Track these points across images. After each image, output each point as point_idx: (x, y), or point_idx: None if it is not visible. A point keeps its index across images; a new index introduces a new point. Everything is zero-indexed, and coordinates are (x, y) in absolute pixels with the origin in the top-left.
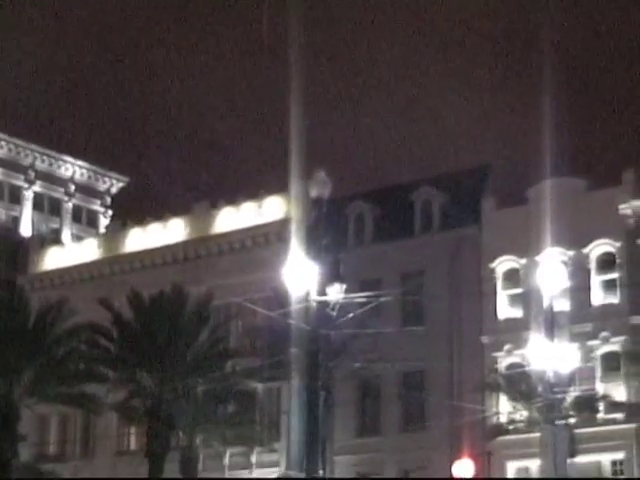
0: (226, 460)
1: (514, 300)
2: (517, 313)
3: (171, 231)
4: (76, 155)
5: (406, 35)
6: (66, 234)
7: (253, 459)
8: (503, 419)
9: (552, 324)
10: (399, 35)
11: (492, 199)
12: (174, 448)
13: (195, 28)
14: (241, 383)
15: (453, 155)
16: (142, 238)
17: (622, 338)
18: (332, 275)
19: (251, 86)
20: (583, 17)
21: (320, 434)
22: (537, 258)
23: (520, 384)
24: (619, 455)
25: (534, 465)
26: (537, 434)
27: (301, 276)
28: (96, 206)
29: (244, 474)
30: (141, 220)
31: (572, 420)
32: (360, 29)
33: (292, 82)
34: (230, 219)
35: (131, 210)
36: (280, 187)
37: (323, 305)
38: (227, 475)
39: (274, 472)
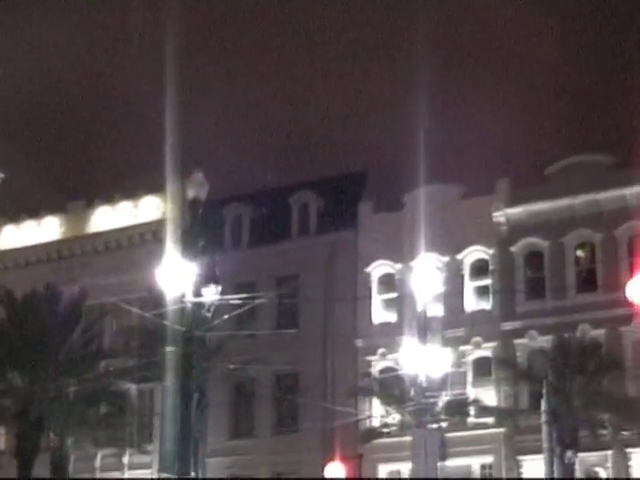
0: (97, 462)
1: (389, 305)
2: (391, 317)
3: (46, 229)
4: None
5: (290, 38)
6: None
7: (125, 461)
8: (376, 422)
9: (425, 329)
10: (284, 39)
11: (369, 204)
12: (45, 449)
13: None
14: (114, 384)
15: (331, 160)
16: (16, 236)
17: (493, 344)
18: (208, 276)
19: (129, 80)
20: (457, 16)
21: (193, 436)
22: (412, 263)
23: (393, 388)
24: (488, 459)
25: (405, 468)
26: (409, 437)
27: (176, 277)
28: None
29: (116, 476)
30: (15, 217)
31: (443, 424)
32: (237, 30)
33: (166, 79)
34: (106, 218)
35: (5, 207)
36: (157, 187)
37: (198, 306)
38: (98, 477)
39: (146, 474)
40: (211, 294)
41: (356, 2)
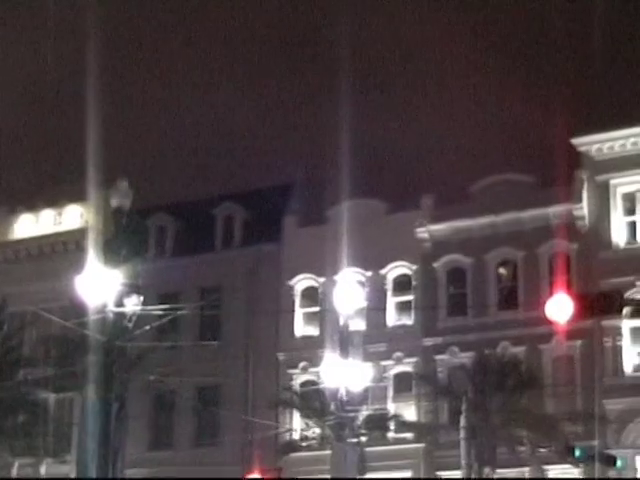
0: (14, 471)
1: (311, 318)
2: (314, 331)
3: None
4: None
5: (210, 50)
6: None
7: (42, 470)
8: (296, 436)
9: (346, 343)
10: (206, 51)
11: (293, 217)
12: None
13: None
14: (32, 393)
15: (257, 172)
16: None
17: (414, 359)
18: (130, 286)
19: (54, 86)
20: (377, 29)
21: (112, 446)
22: (335, 277)
23: (313, 401)
24: (407, 474)
25: None
26: (328, 451)
27: (98, 286)
28: None
29: None
30: None
31: (363, 438)
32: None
33: (87, 86)
34: (29, 226)
35: None
36: (81, 196)
37: (120, 316)
38: None
39: None
40: (133, 304)
41: (281, 13)
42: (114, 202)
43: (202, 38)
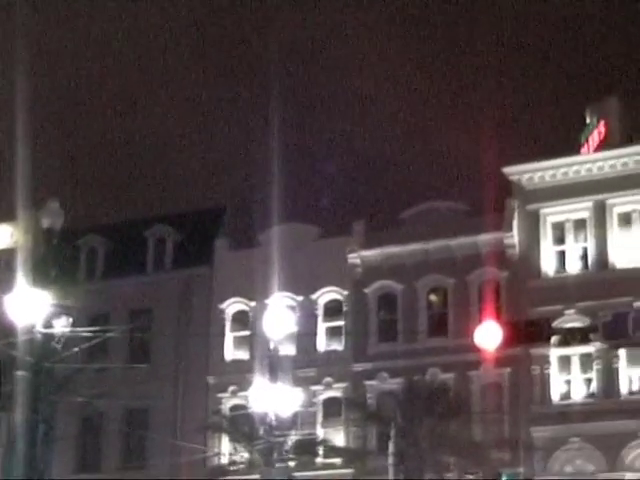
0: None
1: (242, 342)
2: (244, 355)
3: None
4: None
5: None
6: None
7: None
8: (225, 460)
9: (276, 367)
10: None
11: (225, 240)
12: None
13: None
14: None
15: (189, 194)
16: None
17: (344, 384)
18: (59, 308)
19: None
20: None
21: (38, 469)
22: (266, 301)
23: (243, 426)
24: None
25: None
26: (257, 476)
27: (27, 307)
28: None
29: None
30: None
31: (292, 463)
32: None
33: (16, 104)
34: None
35: None
36: (11, 215)
37: (48, 337)
38: None
39: None
40: (62, 325)
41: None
42: (45, 222)
43: (137, 54)
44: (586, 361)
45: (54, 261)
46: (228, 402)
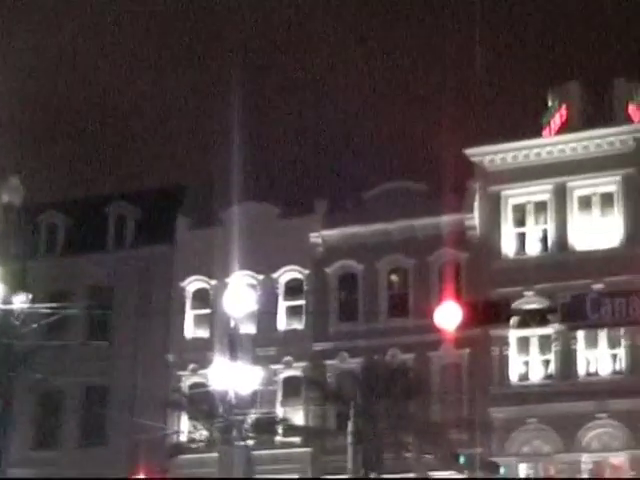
0: None
1: (202, 320)
2: (204, 333)
3: None
4: None
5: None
6: None
7: None
8: (184, 438)
9: (235, 346)
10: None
11: (187, 219)
12: None
13: None
14: None
15: (150, 172)
16: None
17: (304, 363)
18: (18, 284)
19: None
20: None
21: None
22: (227, 280)
23: (202, 404)
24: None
25: None
26: (216, 454)
27: None
28: None
29: None
30: None
31: (251, 441)
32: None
33: None
34: None
35: None
36: None
37: (7, 314)
38: None
39: None
40: (21, 302)
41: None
42: (4, 198)
43: (97, 31)
44: (544, 342)
45: (13, 237)
46: (188, 380)
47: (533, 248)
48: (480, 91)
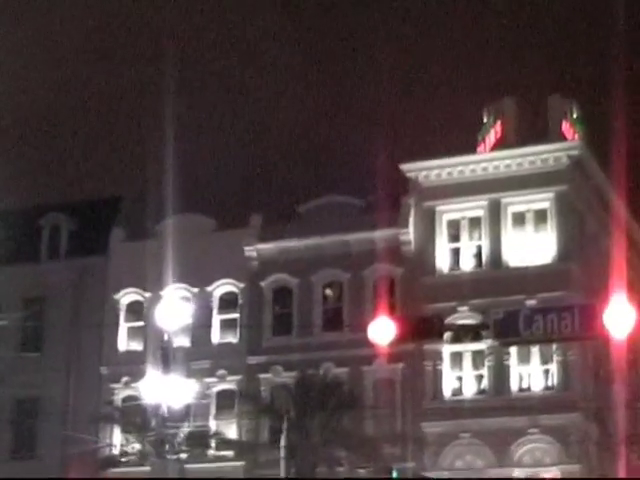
0: None
1: (136, 333)
2: (138, 346)
3: None
4: None
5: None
6: None
7: None
8: (116, 451)
9: (168, 359)
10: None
11: (121, 230)
12: None
13: None
14: None
15: (85, 182)
16: None
17: (238, 377)
18: None
19: None
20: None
21: None
22: (161, 293)
23: (135, 417)
24: None
25: None
26: (148, 468)
27: None
28: None
29: None
30: None
31: (183, 455)
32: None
33: None
34: None
35: None
36: None
37: None
38: None
39: None
40: None
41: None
42: None
43: (30, 35)
44: (478, 358)
45: None
46: (121, 393)
47: (467, 264)
48: (414, 107)
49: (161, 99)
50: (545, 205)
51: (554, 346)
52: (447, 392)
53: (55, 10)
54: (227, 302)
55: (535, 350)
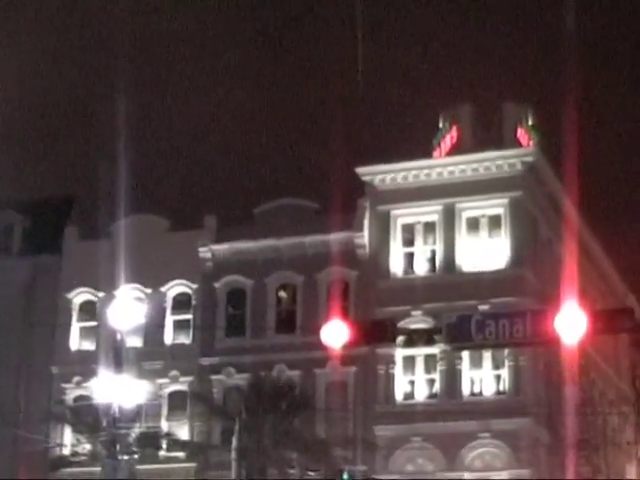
0: None
1: (88, 333)
2: (90, 346)
3: None
4: None
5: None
6: None
7: None
8: (67, 451)
9: (120, 359)
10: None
11: (75, 229)
12: None
13: None
14: None
15: (40, 181)
16: None
17: (190, 378)
18: None
19: None
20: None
21: None
22: (114, 293)
23: (86, 417)
24: None
25: None
26: (99, 468)
27: None
28: None
29: None
30: None
31: (135, 456)
32: None
33: None
34: None
35: None
36: None
37: None
38: None
39: None
40: None
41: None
42: None
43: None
44: (430, 362)
45: None
46: (72, 393)
47: (421, 268)
48: (370, 111)
49: (114, 99)
50: (499, 211)
51: (506, 351)
52: (399, 396)
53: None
54: (180, 303)
55: (487, 355)
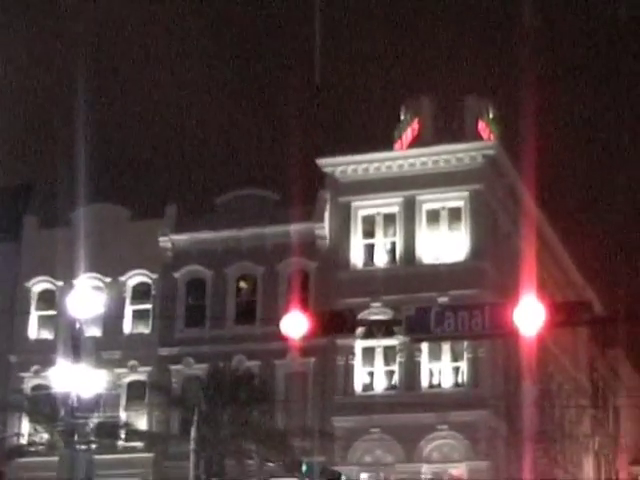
0: None
1: (47, 322)
2: (49, 335)
3: None
4: None
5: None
6: None
7: None
8: (24, 440)
9: (78, 348)
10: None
11: (34, 218)
12: None
13: None
14: None
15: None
16: None
17: (149, 368)
18: None
19: None
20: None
21: None
22: (73, 282)
23: (44, 406)
24: None
25: None
26: (56, 458)
27: None
28: None
29: None
30: None
31: (93, 446)
32: None
33: None
34: None
35: None
36: None
37: None
38: None
39: None
40: None
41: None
42: None
43: None
44: (389, 353)
45: None
46: (30, 382)
47: (381, 260)
48: (331, 102)
49: (74, 86)
50: (459, 203)
51: (464, 343)
52: (358, 387)
53: None
54: (140, 292)
55: (446, 347)
